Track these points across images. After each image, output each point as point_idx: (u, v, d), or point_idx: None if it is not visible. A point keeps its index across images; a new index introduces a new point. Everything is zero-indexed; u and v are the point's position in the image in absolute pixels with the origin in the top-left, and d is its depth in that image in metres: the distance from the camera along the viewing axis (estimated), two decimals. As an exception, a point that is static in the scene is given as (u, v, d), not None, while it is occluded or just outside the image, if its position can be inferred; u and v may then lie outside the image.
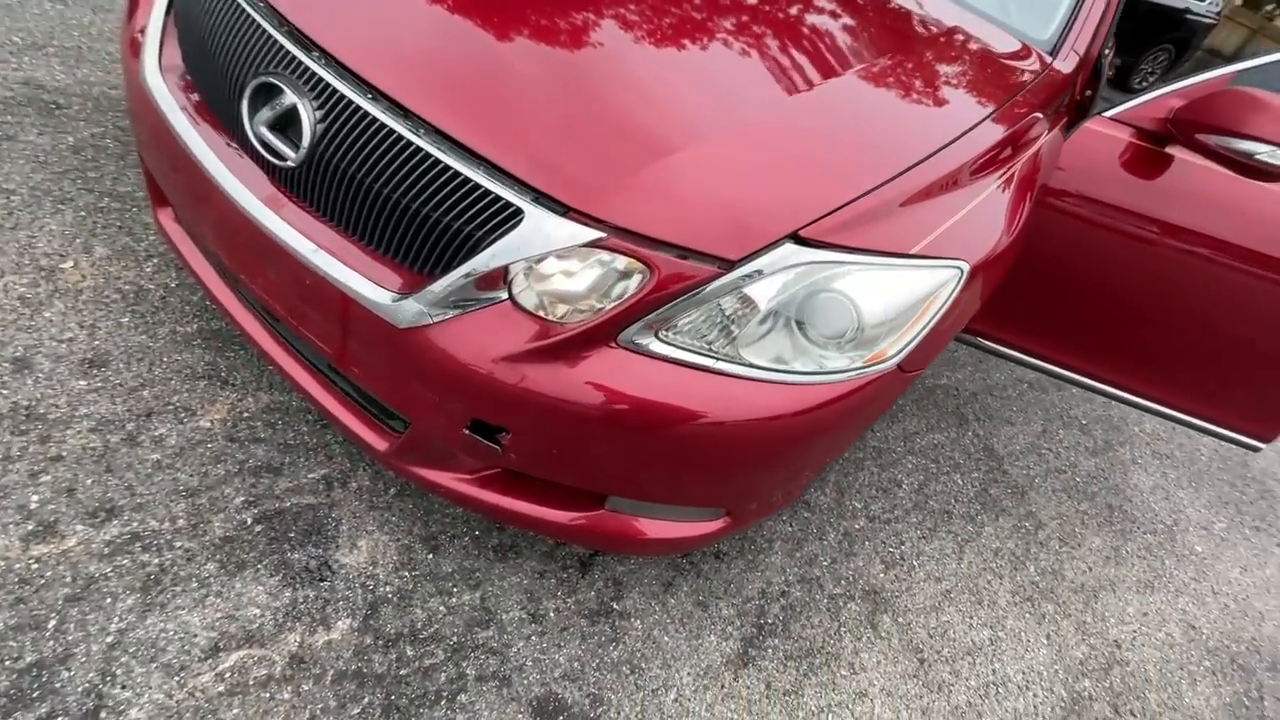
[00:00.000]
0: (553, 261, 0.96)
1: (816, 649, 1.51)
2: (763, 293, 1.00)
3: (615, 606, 1.42)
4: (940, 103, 1.34)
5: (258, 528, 1.29)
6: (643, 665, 1.35)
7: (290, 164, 1.04)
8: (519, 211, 0.94)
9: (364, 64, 0.99)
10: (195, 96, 1.20)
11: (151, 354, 1.48)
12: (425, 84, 1.00)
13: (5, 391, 1.30)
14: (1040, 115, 1.49)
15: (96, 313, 1.51)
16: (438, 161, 0.95)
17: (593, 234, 0.93)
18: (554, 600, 1.38)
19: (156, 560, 1.19)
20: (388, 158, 0.97)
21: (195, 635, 1.12)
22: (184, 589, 1.17)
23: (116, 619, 1.10)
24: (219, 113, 1.15)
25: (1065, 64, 1.71)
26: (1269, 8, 13.65)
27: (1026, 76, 1.54)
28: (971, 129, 1.25)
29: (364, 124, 0.97)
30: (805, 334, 1.04)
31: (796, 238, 0.99)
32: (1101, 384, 2.15)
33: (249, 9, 1.05)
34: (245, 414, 1.45)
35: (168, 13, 1.24)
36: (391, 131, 0.96)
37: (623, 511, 1.22)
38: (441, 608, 1.30)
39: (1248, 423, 2.20)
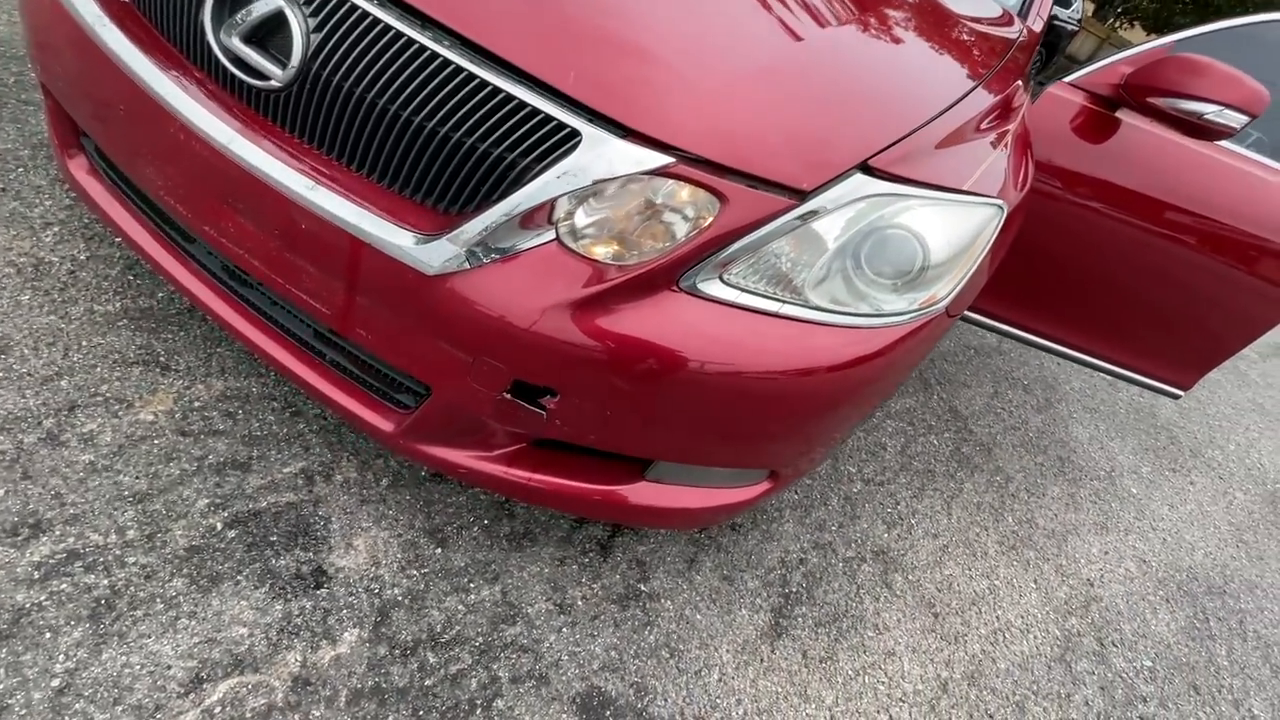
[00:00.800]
0: (612, 192, 0.85)
1: (842, 613, 1.48)
2: (830, 229, 0.93)
3: (643, 588, 1.32)
4: (953, 54, 1.32)
5: (230, 533, 1.07)
6: (681, 647, 1.26)
7: (274, 85, 0.86)
8: (574, 134, 0.81)
9: None
10: (129, 4, 0.98)
11: (65, 337, 1.21)
12: None
13: None
14: (1022, 78, 1.53)
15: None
16: (471, 77, 0.81)
17: (660, 159, 0.82)
18: (579, 587, 1.26)
19: (105, 581, 0.96)
20: (404, 74, 0.82)
21: (169, 667, 0.91)
22: (146, 612, 0.95)
23: (62, 657, 0.87)
24: (165, 25, 0.94)
25: (1036, 25, 1.77)
26: (1112, 20, 15.40)
27: (1012, 36, 1.57)
28: (984, 80, 1.24)
29: (372, 33, 0.81)
30: (866, 273, 0.98)
31: (865, 168, 0.93)
32: (1043, 339, 2.27)
33: None
34: (196, 403, 1.22)
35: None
36: (410, 42, 0.81)
37: (665, 480, 1.12)
38: (460, 606, 1.14)
39: (1171, 372, 2.41)
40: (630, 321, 0.88)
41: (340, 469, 1.24)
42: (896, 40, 1.25)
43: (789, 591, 1.47)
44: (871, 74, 1.08)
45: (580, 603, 1.24)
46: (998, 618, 1.68)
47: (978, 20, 1.58)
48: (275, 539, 1.09)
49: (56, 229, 1.39)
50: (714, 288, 0.91)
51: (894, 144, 0.96)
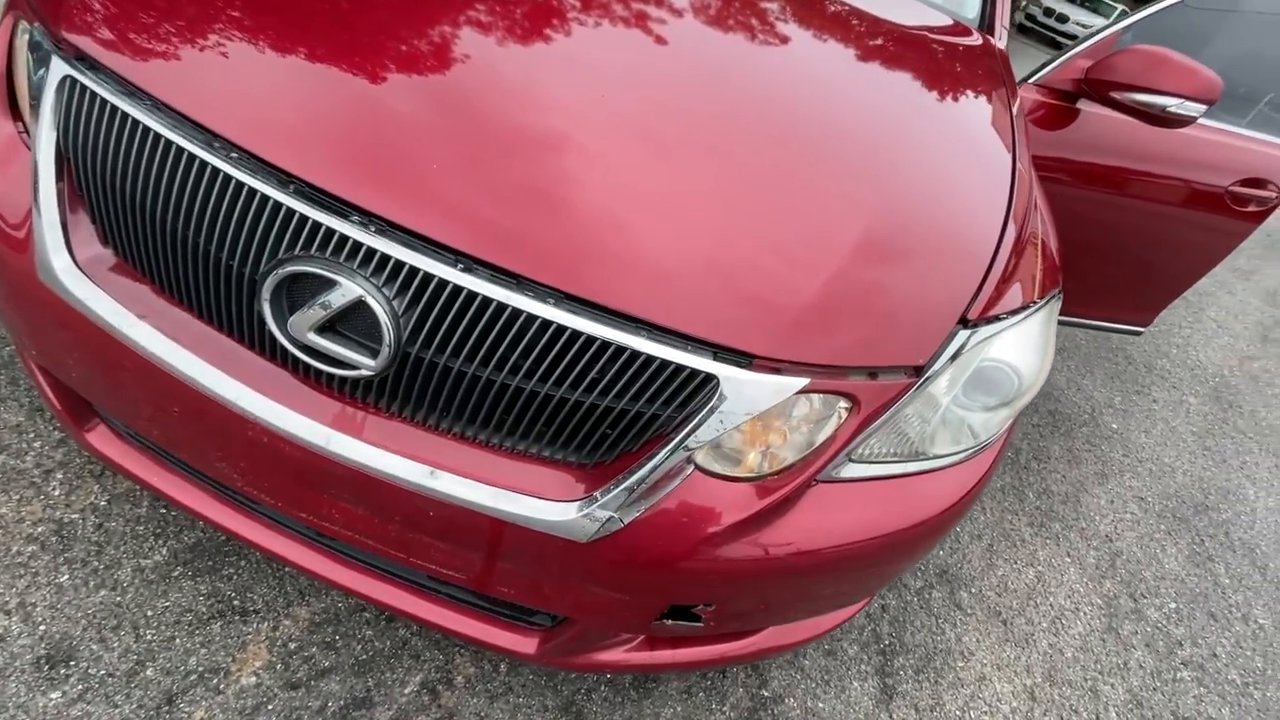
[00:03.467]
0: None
1: (932, 651, 1.58)
2: (941, 387, 0.95)
3: (765, 694, 1.37)
4: (979, 144, 1.26)
5: (383, 786, 1.04)
6: (817, 744, 1.32)
7: (366, 373, 0.78)
8: (710, 378, 0.78)
9: (441, 227, 0.74)
10: (149, 292, 0.86)
11: (127, 614, 1.11)
12: (536, 241, 0.77)
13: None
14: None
15: (16, 583, 1.09)
16: (582, 337, 0.74)
17: (800, 381, 0.81)
18: (714, 716, 1.30)
19: None
20: (507, 340, 0.74)
21: None
22: None
23: None
24: (212, 315, 0.83)
25: (1001, 42, 1.79)
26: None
27: (997, 64, 1.58)
28: (1015, 169, 1.23)
29: (471, 305, 0.73)
30: (969, 410, 1.01)
31: (964, 322, 0.95)
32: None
33: (233, 171, 0.73)
34: (291, 644, 1.15)
35: (60, 178, 0.85)
36: (506, 308, 0.73)
37: (790, 621, 1.15)
38: (620, 781, 1.16)
39: (1132, 315, 2.61)
40: (786, 528, 0.88)
41: (457, 669, 1.21)
42: (931, 150, 1.16)
43: (883, 646, 1.55)
44: (935, 207, 1.05)
45: (719, 732, 1.28)
46: (1052, 605, 1.84)
47: (968, 53, 1.57)
48: (428, 776, 1.07)
49: (60, 475, 1.24)
50: (848, 470, 0.92)
51: (979, 289, 0.97)
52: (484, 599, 1.03)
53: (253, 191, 0.73)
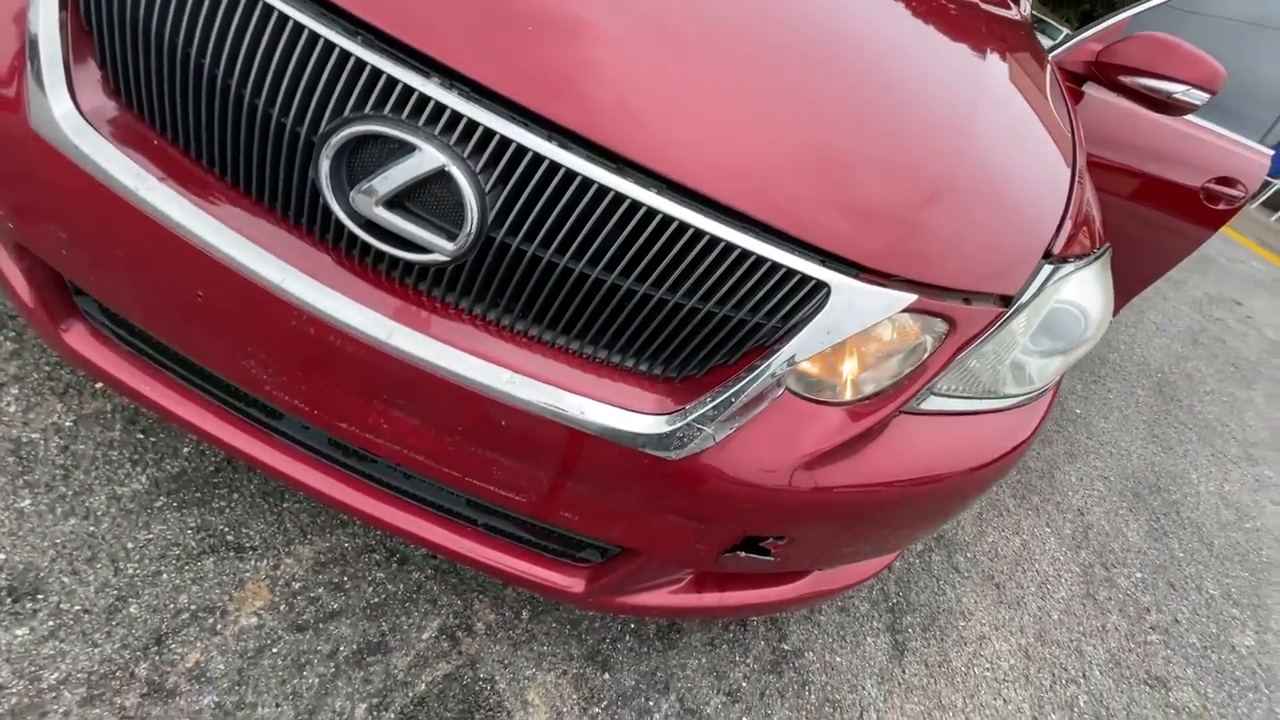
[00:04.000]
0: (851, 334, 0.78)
1: (936, 610, 1.60)
2: (1021, 323, 0.92)
3: (785, 647, 1.34)
4: (1034, 85, 1.26)
5: (406, 735, 0.95)
6: (837, 697, 1.30)
7: (438, 258, 0.68)
8: (819, 286, 0.73)
9: (538, 96, 0.64)
10: (167, 150, 0.73)
11: (103, 544, 0.96)
12: (644, 124, 0.68)
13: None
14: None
15: (-32, 507, 0.93)
16: (688, 229, 0.67)
17: (908, 297, 0.76)
18: (738, 668, 1.26)
19: None
20: (604, 232, 0.66)
21: None
22: None
23: None
24: (244, 181, 0.71)
25: (1026, 14, 1.80)
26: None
27: (1031, 34, 1.59)
28: (1068, 109, 1.25)
29: (567, 188, 0.64)
30: (1037, 352, 1.00)
31: (1047, 255, 0.92)
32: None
33: (295, 12, 0.61)
34: (295, 584, 1.03)
35: (63, 7, 0.70)
36: (611, 194, 0.64)
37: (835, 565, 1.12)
38: (651, 731, 1.10)
39: (1102, 305, 2.72)
40: (873, 458, 0.84)
41: (477, 614, 1.12)
42: (1006, 95, 1.14)
43: (891, 604, 1.55)
44: (1017, 145, 1.03)
45: (744, 684, 1.24)
46: (1037, 571, 1.89)
47: (1015, 32, 1.56)
48: (453, 725, 0.98)
49: (15, 390, 1.07)
50: (930, 403, 0.88)
51: (1060, 224, 0.96)
52: (529, 533, 0.94)
53: (315, 37, 0.61)
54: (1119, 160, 2.31)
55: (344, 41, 0.61)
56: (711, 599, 1.02)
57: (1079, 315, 0.99)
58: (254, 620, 0.97)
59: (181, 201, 0.70)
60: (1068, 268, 0.96)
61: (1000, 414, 0.96)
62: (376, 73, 0.62)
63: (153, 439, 1.10)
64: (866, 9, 1.08)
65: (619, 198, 0.65)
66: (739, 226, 0.68)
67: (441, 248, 0.67)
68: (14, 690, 0.80)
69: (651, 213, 0.65)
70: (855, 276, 0.74)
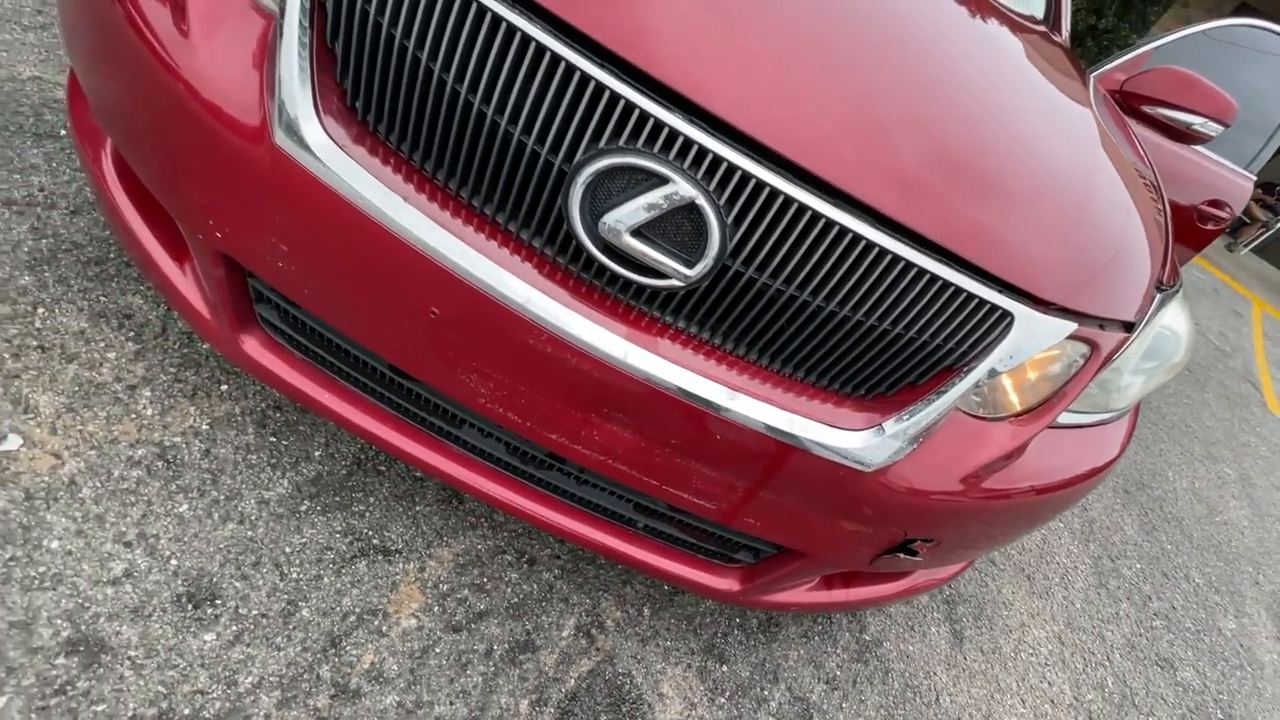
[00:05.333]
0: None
1: (984, 601, 1.72)
2: (1137, 347, 1.03)
3: (866, 638, 1.43)
4: (1113, 121, 1.37)
5: (566, 728, 0.99)
6: (915, 683, 1.41)
7: (675, 284, 0.73)
8: (1006, 315, 0.81)
9: (780, 135, 0.69)
10: (410, 171, 0.75)
11: (264, 550, 0.97)
12: (868, 163, 0.74)
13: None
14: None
15: (128, 512, 0.92)
16: (900, 264, 0.73)
17: (1071, 325, 0.85)
18: (831, 658, 1.34)
19: (500, 837, 0.86)
20: (828, 263, 0.72)
21: None
22: None
23: None
24: (487, 205, 0.74)
25: (1066, 38, 1.92)
26: None
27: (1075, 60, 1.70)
28: (1134, 144, 1.36)
29: (799, 222, 0.70)
30: (1140, 371, 1.10)
31: (1159, 286, 1.03)
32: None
33: (554, 44, 0.64)
34: (443, 586, 1.06)
35: (309, 26, 0.71)
36: (836, 227, 0.70)
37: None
38: (770, 718, 1.17)
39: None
40: (1024, 468, 0.93)
41: (605, 612, 1.17)
42: (1104, 136, 1.23)
43: (946, 596, 1.67)
44: (1129, 177, 1.11)
45: (839, 672, 1.33)
46: (1058, 563, 2.05)
47: (1068, 60, 1.67)
48: (606, 718, 1.03)
49: (147, 392, 1.05)
50: (1065, 417, 0.98)
51: (1165, 257, 1.06)
52: (689, 536, 1.00)
53: (573, 69, 0.64)
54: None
55: (601, 74, 0.65)
56: (839, 595, 1.10)
57: (1173, 338, 1.11)
58: (413, 622, 1.00)
59: (428, 223, 0.72)
60: (1168, 294, 1.07)
61: (1107, 426, 1.07)
62: (629, 105, 0.66)
63: (284, 442, 1.10)
64: (980, 61, 1.14)
65: (841, 230, 0.71)
66: (941, 259, 0.75)
67: (680, 273, 0.72)
68: (215, 695, 0.82)
69: (865, 243, 0.72)
70: (1033, 306, 0.82)
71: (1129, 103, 2.09)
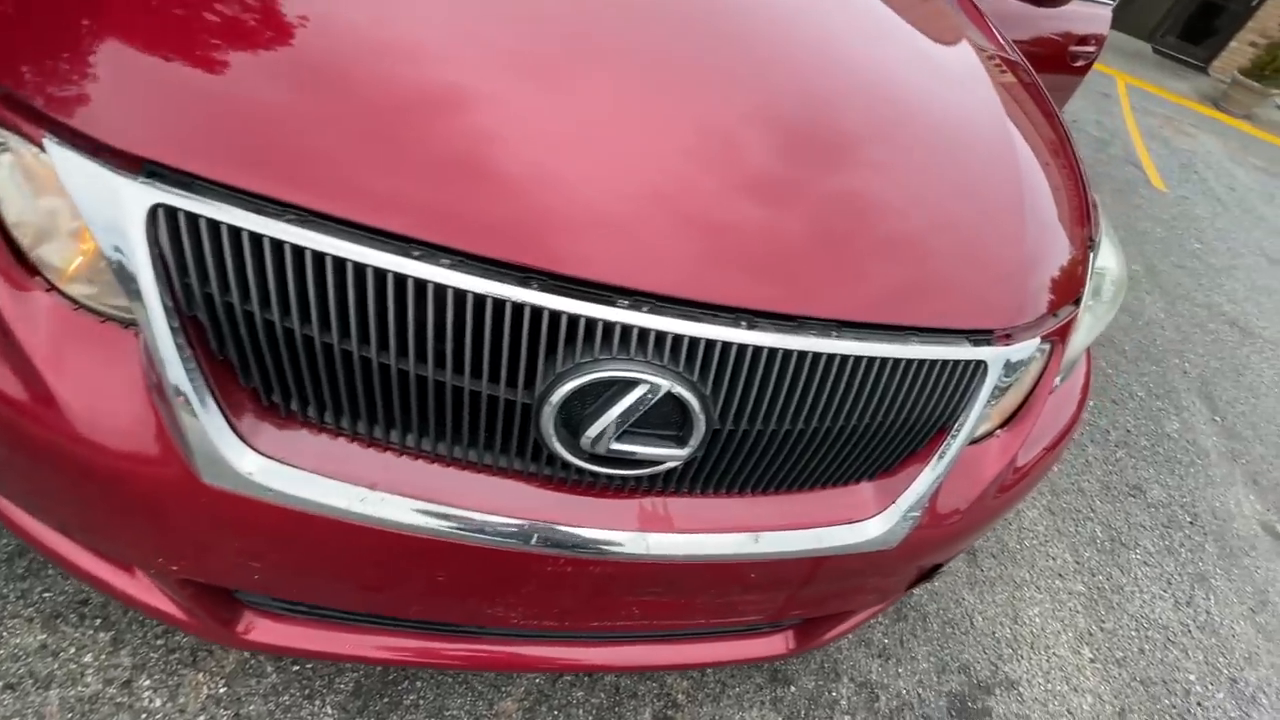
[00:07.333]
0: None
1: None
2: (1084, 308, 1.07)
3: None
4: (1019, 71, 1.33)
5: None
6: (949, 615, 1.54)
7: (673, 465, 0.71)
8: (980, 364, 0.82)
9: (721, 288, 0.65)
10: (360, 452, 0.68)
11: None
12: (808, 277, 0.71)
13: None
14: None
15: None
16: (866, 361, 0.71)
17: (1035, 339, 0.87)
18: (873, 630, 1.45)
19: None
20: (811, 389, 0.70)
21: None
22: None
23: None
24: (457, 457, 0.69)
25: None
26: None
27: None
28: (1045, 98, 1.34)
29: (758, 363, 0.67)
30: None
31: (1091, 245, 1.06)
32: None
33: (462, 282, 0.57)
34: (520, 741, 1.07)
35: (188, 343, 0.61)
36: (794, 355, 0.67)
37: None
38: (845, 717, 1.27)
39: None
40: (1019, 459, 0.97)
41: (672, 687, 1.21)
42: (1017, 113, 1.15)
43: (949, 515, 1.80)
44: (1041, 153, 1.07)
45: (886, 641, 1.44)
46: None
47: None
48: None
49: (145, 680, 0.98)
50: None
51: (1088, 213, 1.09)
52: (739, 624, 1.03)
53: (483, 300, 0.58)
54: (1021, 44, 2.49)
55: (524, 294, 0.58)
56: (870, 611, 1.16)
57: (1106, 270, 1.15)
58: (509, 792, 1.02)
59: (404, 502, 0.67)
60: (1100, 241, 1.10)
61: (1069, 381, 1.13)
62: (575, 318, 0.61)
63: (309, 665, 1.06)
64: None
65: (804, 355, 0.69)
66: (903, 339, 0.74)
67: (674, 456, 0.70)
68: None
69: (832, 356, 0.70)
70: (997, 342, 0.83)
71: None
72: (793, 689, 1.29)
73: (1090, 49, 2.66)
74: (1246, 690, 1.64)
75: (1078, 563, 1.81)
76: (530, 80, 0.69)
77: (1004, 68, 1.28)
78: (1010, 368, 0.83)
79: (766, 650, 1.06)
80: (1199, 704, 1.57)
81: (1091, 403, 2.49)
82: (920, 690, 1.37)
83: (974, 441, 0.91)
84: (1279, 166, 6.64)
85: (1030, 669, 1.50)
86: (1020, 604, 1.64)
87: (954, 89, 1.09)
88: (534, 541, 0.70)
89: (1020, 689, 1.45)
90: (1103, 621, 1.68)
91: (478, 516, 0.68)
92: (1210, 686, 1.62)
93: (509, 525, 0.69)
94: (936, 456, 0.83)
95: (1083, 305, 1.03)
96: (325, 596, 0.76)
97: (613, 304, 0.61)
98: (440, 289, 0.57)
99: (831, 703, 1.29)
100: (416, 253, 0.58)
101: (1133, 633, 1.67)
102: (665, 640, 1.01)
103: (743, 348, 0.66)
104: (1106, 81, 7.71)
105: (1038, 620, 1.62)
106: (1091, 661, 1.57)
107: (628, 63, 0.76)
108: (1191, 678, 1.62)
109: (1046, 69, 2.56)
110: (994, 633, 1.55)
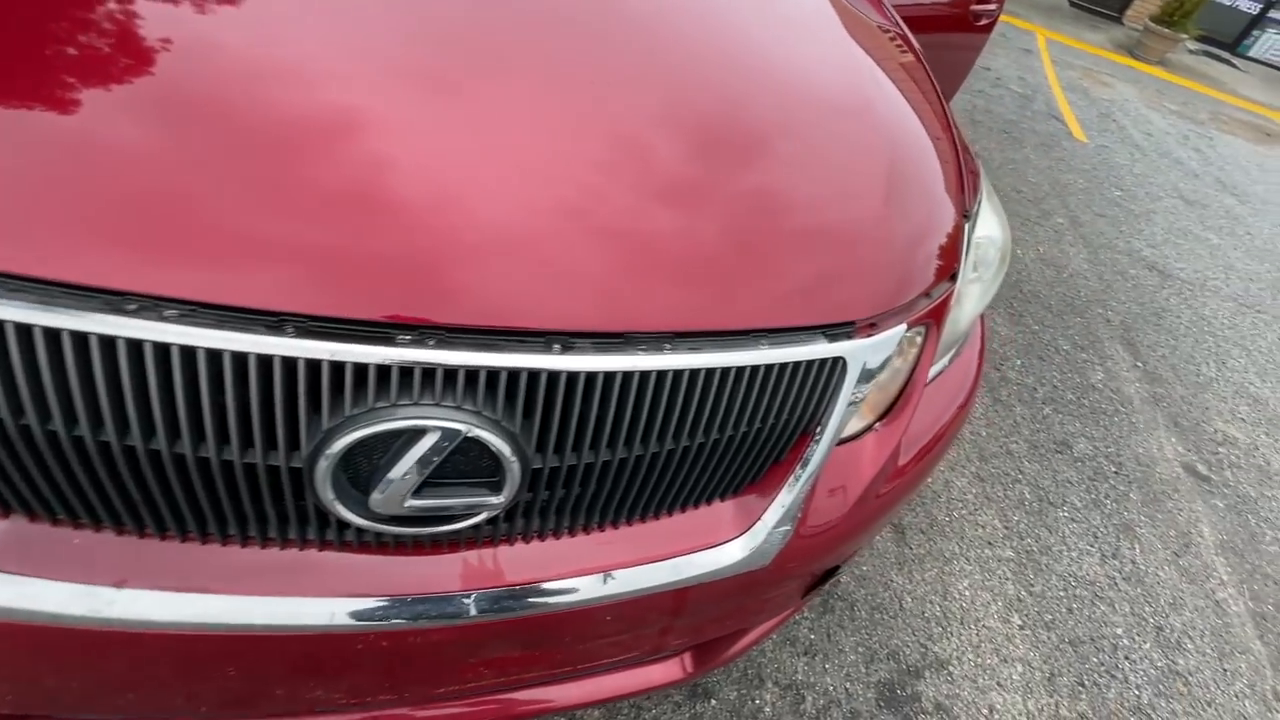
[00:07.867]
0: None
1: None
2: (960, 278, 1.02)
3: (824, 583, 1.50)
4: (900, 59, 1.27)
5: None
6: (877, 601, 1.51)
7: (489, 513, 0.63)
8: (838, 360, 0.75)
9: (523, 311, 0.56)
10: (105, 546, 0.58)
11: None
12: (629, 289, 0.63)
13: None
14: None
15: None
16: (704, 373, 0.64)
17: (901, 328, 0.81)
18: (799, 626, 1.40)
19: None
20: (638, 409, 0.62)
21: None
22: None
23: None
24: (225, 536, 0.59)
25: None
26: None
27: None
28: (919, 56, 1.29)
29: (576, 388, 0.59)
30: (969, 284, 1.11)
31: (965, 215, 1.01)
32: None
33: (197, 337, 0.48)
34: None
35: None
36: (617, 375, 0.59)
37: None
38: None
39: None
40: (903, 450, 0.92)
41: (584, 720, 1.14)
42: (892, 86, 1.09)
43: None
44: (909, 120, 1.00)
45: (812, 637, 1.39)
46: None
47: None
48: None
49: None
50: None
51: (963, 183, 1.03)
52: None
53: (242, 356, 0.49)
54: (919, 9, 2.46)
55: (275, 342, 0.49)
56: (777, 619, 1.11)
57: (990, 240, 1.11)
58: None
59: (163, 597, 0.57)
60: (977, 209, 1.05)
61: (961, 357, 1.08)
62: (336, 365, 0.52)
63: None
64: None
65: (630, 374, 0.61)
66: (747, 344, 0.67)
67: (489, 505, 0.61)
68: None
69: (664, 372, 0.63)
70: (853, 336, 0.76)
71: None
72: (713, 702, 1.23)
73: (992, 7, 2.64)
74: (1172, 637, 1.66)
75: (1006, 528, 1.81)
76: (252, 80, 0.57)
77: (872, 31, 1.21)
78: (873, 360, 0.77)
79: (664, 677, 0.99)
80: (1126, 657, 1.58)
81: (1019, 361, 2.50)
82: (848, 684, 1.33)
83: (847, 440, 0.85)
84: (1191, 109, 6.86)
85: (960, 645, 1.48)
86: (949, 578, 1.62)
87: (807, 55, 1.01)
88: (335, 620, 0.61)
89: (950, 668, 1.43)
90: (1031, 585, 1.67)
91: (256, 600, 0.59)
92: (1137, 638, 1.63)
93: (298, 604, 0.60)
94: (800, 465, 0.77)
95: (960, 280, 0.97)
96: (107, 707, 0.66)
97: (391, 342, 0.52)
98: (161, 348, 0.47)
99: (755, 711, 1.24)
100: (132, 306, 0.47)
101: (1060, 593, 1.67)
102: (545, 683, 0.93)
103: (554, 374, 0.57)
104: (1027, 37, 7.83)
105: (967, 593, 1.60)
106: (1021, 629, 1.56)
107: (408, 55, 0.66)
108: (1119, 631, 1.63)
109: (950, 28, 2.54)
110: (923, 612, 1.52)
